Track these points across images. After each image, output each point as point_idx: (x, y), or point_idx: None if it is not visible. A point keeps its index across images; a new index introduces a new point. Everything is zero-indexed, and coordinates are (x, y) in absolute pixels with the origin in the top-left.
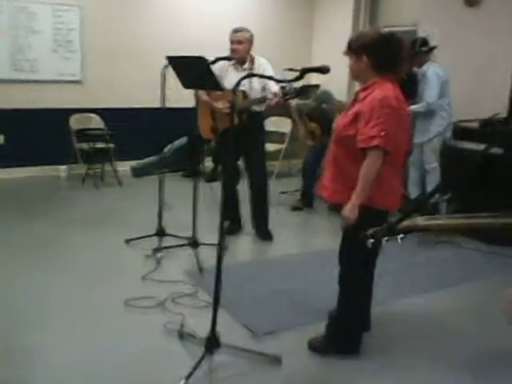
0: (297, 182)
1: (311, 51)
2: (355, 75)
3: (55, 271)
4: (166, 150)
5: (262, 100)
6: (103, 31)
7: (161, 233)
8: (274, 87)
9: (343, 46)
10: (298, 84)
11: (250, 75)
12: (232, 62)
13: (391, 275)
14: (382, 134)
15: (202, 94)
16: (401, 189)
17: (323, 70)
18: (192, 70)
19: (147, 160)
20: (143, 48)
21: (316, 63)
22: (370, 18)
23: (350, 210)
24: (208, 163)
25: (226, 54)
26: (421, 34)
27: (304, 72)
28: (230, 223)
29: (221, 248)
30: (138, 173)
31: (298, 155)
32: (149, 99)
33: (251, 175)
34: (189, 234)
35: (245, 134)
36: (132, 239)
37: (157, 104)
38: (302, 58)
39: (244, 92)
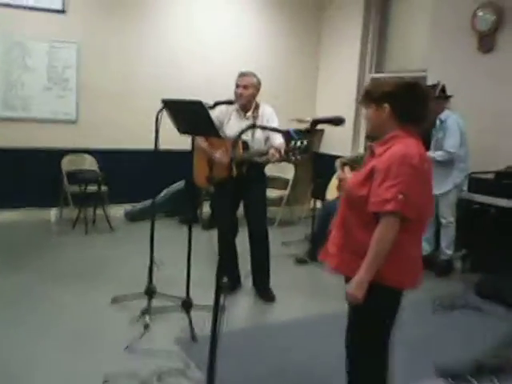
0: (300, 231)
1: (315, 98)
2: (373, 127)
3: (32, 334)
4: (162, 194)
5: (264, 153)
6: (100, 70)
7: (150, 292)
8: (278, 140)
9: (349, 92)
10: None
11: (252, 126)
12: (235, 107)
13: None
14: (400, 197)
15: (201, 139)
16: (421, 262)
17: (336, 122)
18: (189, 114)
19: (142, 204)
20: (140, 89)
21: (320, 110)
22: (376, 63)
23: (357, 287)
24: (206, 209)
25: (228, 97)
26: (431, 80)
27: (315, 123)
28: (228, 280)
29: (215, 326)
30: (131, 217)
31: (300, 201)
32: (145, 141)
33: (251, 228)
34: (182, 291)
35: (244, 184)
36: (119, 298)
37: (153, 146)
38: (306, 105)
39: (245, 142)
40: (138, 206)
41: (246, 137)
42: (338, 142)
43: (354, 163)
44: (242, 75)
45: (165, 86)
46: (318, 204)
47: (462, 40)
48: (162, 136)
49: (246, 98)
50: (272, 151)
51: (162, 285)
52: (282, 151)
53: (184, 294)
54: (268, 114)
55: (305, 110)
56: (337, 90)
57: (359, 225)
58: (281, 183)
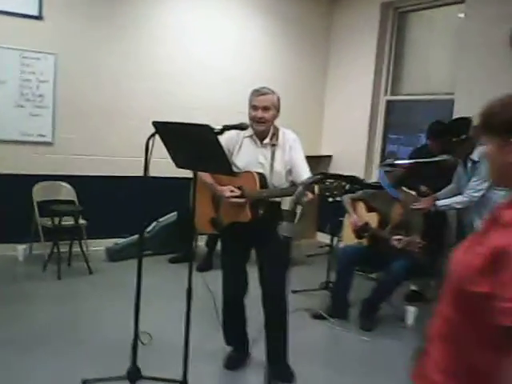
0: (312, 274)
1: (322, 124)
2: (499, 174)
3: None
4: (150, 228)
5: (289, 193)
6: (81, 85)
7: (133, 376)
8: (306, 173)
9: (362, 116)
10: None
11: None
12: (249, 133)
13: None
14: None
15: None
16: None
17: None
18: (191, 143)
19: (127, 240)
20: (127, 107)
21: (327, 138)
22: (392, 85)
23: None
24: (202, 245)
25: (232, 119)
26: (458, 105)
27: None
28: (234, 350)
29: None
30: (114, 256)
31: (306, 235)
32: (131, 166)
33: (266, 290)
34: (177, 370)
35: (260, 231)
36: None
37: (141, 172)
38: (311, 133)
39: (262, 176)
40: (122, 242)
41: (263, 169)
42: (348, 170)
43: (368, 200)
44: (260, 93)
45: (156, 105)
46: (325, 238)
47: (498, 61)
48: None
49: (268, 122)
50: (309, 195)
51: (151, 360)
52: (316, 189)
53: (179, 373)
54: (291, 141)
55: (310, 139)
56: (347, 115)
57: (479, 340)
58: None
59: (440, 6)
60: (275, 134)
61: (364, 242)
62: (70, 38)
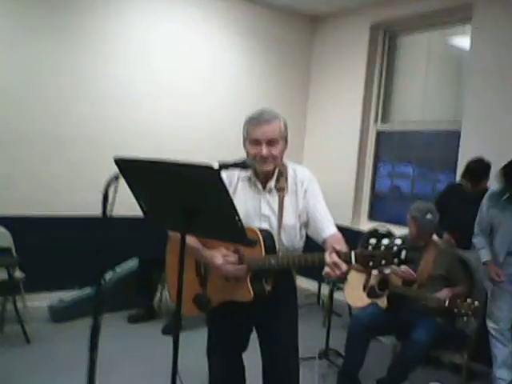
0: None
1: (302, 157)
2: None
3: None
4: (104, 279)
5: (306, 262)
6: (17, 107)
7: None
8: (331, 227)
9: (349, 149)
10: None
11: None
12: (247, 174)
13: None
14: None
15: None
16: None
17: None
18: (178, 191)
19: (75, 295)
20: (75, 134)
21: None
22: (382, 112)
23: None
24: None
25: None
26: (465, 136)
27: None
28: None
29: None
30: (59, 316)
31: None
32: (81, 204)
33: (272, 381)
34: None
35: (264, 311)
36: None
37: (93, 211)
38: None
39: (268, 234)
40: (70, 298)
41: (267, 222)
42: (333, 211)
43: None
44: (261, 122)
45: (113, 133)
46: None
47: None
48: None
49: (277, 160)
50: (329, 260)
51: None
52: (353, 258)
53: None
54: (306, 182)
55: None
56: (331, 146)
57: None
58: None
59: (437, 27)
60: (282, 174)
61: (380, 303)
62: (3, 49)
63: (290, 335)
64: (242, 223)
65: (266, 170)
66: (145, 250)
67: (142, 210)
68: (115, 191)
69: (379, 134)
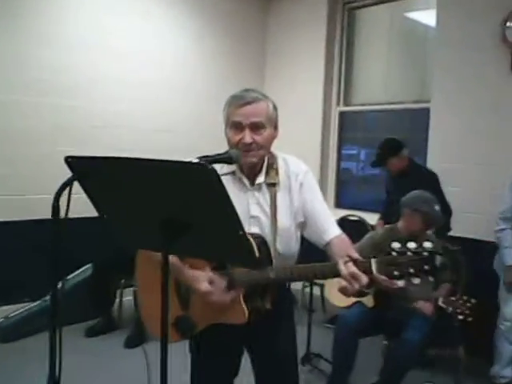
0: None
1: None
2: None
3: None
4: (58, 288)
5: (315, 275)
6: None
7: None
8: (332, 226)
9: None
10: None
11: None
12: (228, 169)
13: None
14: None
15: None
16: None
17: None
18: (159, 200)
19: (22, 311)
20: (22, 127)
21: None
22: (344, 92)
23: None
24: (128, 307)
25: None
26: (435, 113)
27: None
28: None
29: None
30: (7, 335)
31: None
32: (26, 207)
33: None
34: None
35: (260, 331)
36: None
37: (44, 214)
38: None
39: (260, 240)
40: (16, 314)
41: (257, 225)
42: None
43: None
44: (245, 102)
45: (63, 125)
46: None
47: (486, 60)
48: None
49: (263, 149)
50: (343, 269)
51: None
52: (374, 267)
53: None
54: (300, 176)
55: None
56: (291, 130)
57: None
58: None
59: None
60: (273, 167)
61: (366, 301)
62: None
63: (290, 355)
64: (248, 239)
65: (251, 162)
66: (99, 253)
67: (107, 224)
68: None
69: (342, 116)
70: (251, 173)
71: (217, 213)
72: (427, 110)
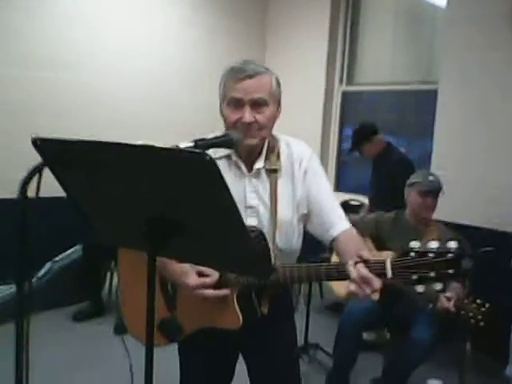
0: None
1: None
2: None
3: None
4: (42, 271)
5: (319, 276)
6: None
7: None
8: (341, 220)
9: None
10: None
11: None
12: (222, 152)
13: None
14: None
15: None
16: None
17: None
18: (146, 195)
19: (5, 293)
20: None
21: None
22: (348, 72)
23: None
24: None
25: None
26: (443, 96)
27: None
28: None
29: None
30: None
31: None
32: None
33: None
34: None
35: (258, 335)
36: None
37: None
38: None
39: (258, 233)
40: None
41: (255, 216)
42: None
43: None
44: (245, 75)
45: (34, 100)
46: None
47: (496, 43)
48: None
49: (265, 130)
50: (354, 274)
51: None
52: (390, 269)
53: None
54: (304, 161)
55: None
56: (294, 110)
57: None
58: None
59: None
60: (274, 150)
61: (373, 295)
62: None
63: (290, 364)
64: (254, 242)
65: (250, 145)
66: (88, 234)
67: (84, 217)
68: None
69: (345, 96)
70: (249, 157)
71: (215, 212)
72: (434, 92)
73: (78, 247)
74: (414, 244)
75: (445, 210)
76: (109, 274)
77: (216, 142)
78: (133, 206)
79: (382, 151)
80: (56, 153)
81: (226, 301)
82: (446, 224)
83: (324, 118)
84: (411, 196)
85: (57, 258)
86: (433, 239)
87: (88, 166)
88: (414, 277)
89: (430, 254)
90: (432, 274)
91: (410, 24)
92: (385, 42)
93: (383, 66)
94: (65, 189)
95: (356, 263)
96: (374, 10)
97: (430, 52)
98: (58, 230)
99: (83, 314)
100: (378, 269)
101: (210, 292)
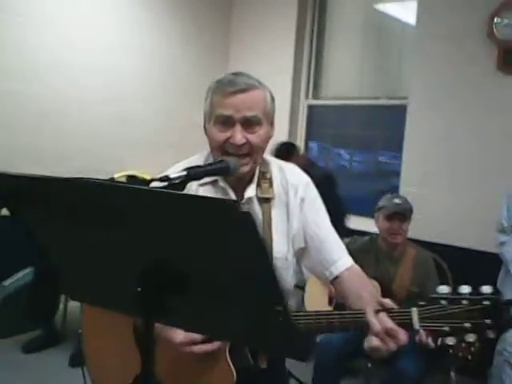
0: None
1: None
2: None
3: None
4: None
5: (331, 328)
6: None
7: None
8: (343, 255)
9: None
10: None
11: None
12: (211, 178)
13: None
14: None
15: None
16: None
17: None
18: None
19: None
20: None
21: None
22: (314, 85)
23: None
24: (73, 317)
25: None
26: (412, 111)
27: None
28: None
29: None
30: None
31: None
32: None
33: None
34: None
35: None
36: None
37: None
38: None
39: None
40: None
41: None
42: None
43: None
44: (238, 87)
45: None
46: None
47: (470, 57)
48: None
49: (258, 154)
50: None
51: None
52: (417, 319)
53: None
54: (301, 188)
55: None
56: None
57: None
58: None
59: None
60: (266, 176)
61: None
62: None
63: None
64: (290, 314)
65: (241, 171)
66: (40, 256)
67: (49, 268)
68: None
69: (311, 110)
70: (239, 183)
71: (242, 271)
72: (404, 108)
73: (28, 270)
74: (443, 289)
75: (417, 228)
76: (63, 299)
77: (210, 170)
78: (122, 255)
79: (303, 167)
80: (18, 190)
81: (216, 354)
82: (422, 243)
83: (290, 131)
84: (379, 221)
85: (4, 283)
86: (406, 269)
87: (63, 207)
88: (446, 328)
89: (464, 302)
90: (466, 325)
91: (379, 39)
92: (352, 56)
93: (351, 80)
94: (26, 230)
95: (377, 311)
96: (342, 23)
97: (399, 67)
98: (5, 251)
99: (34, 344)
100: (402, 319)
101: (199, 348)
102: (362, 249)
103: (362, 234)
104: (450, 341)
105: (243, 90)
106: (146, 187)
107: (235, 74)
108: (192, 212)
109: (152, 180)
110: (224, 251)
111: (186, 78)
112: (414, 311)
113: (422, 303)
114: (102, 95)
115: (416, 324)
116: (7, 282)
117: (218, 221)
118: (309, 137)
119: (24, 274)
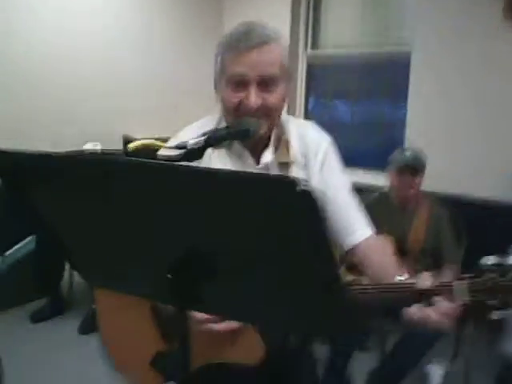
0: None
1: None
2: None
3: None
4: None
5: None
6: None
7: None
8: (361, 223)
9: None
10: None
11: None
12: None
13: None
14: None
15: None
16: None
17: None
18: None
19: None
20: None
21: None
22: (312, 34)
23: None
24: (80, 286)
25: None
26: (416, 61)
27: None
28: None
29: None
30: None
31: None
32: None
33: None
34: None
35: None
36: None
37: None
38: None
39: None
40: None
41: None
42: None
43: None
44: (251, 43)
45: None
46: None
47: (477, 5)
48: None
49: (275, 114)
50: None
51: None
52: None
53: None
54: (321, 150)
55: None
56: None
57: None
58: None
59: None
60: (282, 137)
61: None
62: None
63: None
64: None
65: (258, 134)
66: (44, 223)
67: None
68: None
69: (310, 64)
70: (255, 147)
71: (298, 253)
72: (408, 56)
73: (29, 239)
74: (488, 260)
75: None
76: (68, 267)
77: (231, 134)
78: (154, 241)
79: None
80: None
81: (241, 328)
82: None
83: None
84: (391, 175)
85: (6, 253)
86: (420, 223)
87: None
88: (491, 302)
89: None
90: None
91: None
92: (353, 1)
93: (351, 30)
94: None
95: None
96: None
97: (402, 14)
98: (5, 220)
99: (42, 313)
100: (446, 291)
101: (221, 326)
102: (373, 204)
103: (369, 187)
104: (496, 315)
105: (258, 45)
106: (181, 164)
107: (249, 25)
108: (242, 191)
109: (168, 148)
110: (276, 232)
111: (178, 29)
112: (456, 284)
113: (470, 275)
114: (101, 57)
115: (458, 297)
116: (9, 252)
117: (275, 200)
118: (309, 90)
119: (25, 243)
